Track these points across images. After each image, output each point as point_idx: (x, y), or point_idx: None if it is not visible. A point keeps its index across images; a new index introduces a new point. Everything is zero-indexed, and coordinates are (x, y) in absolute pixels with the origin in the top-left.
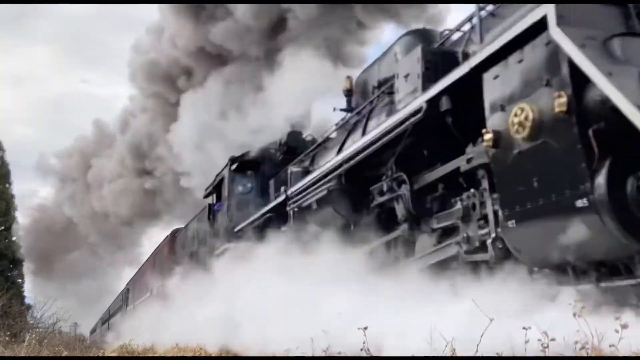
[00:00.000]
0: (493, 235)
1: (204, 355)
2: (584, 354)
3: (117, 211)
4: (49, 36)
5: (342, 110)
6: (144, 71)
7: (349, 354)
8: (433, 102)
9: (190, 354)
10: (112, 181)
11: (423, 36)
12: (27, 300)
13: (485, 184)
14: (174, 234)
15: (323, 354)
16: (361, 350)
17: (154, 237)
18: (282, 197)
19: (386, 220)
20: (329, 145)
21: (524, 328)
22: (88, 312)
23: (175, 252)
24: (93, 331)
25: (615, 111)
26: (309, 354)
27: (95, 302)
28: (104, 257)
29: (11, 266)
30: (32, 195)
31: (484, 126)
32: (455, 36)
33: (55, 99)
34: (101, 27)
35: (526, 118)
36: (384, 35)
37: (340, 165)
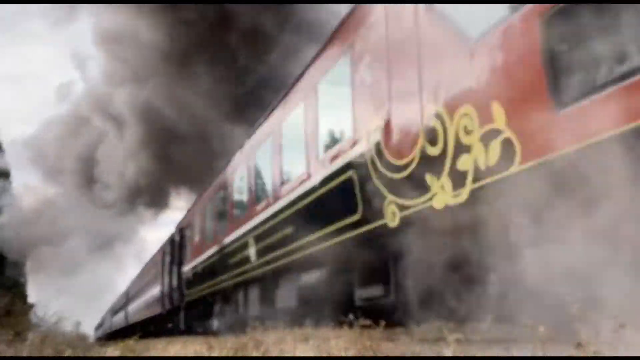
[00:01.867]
0: None
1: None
2: (581, 353)
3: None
4: (46, 34)
5: None
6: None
7: None
8: None
9: None
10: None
11: None
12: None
13: None
14: None
15: None
16: None
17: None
18: None
19: None
20: None
21: None
22: (87, 309)
23: None
24: (99, 326)
25: None
26: None
27: (92, 299)
28: (98, 247)
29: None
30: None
31: None
32: None
33: (54, 96)
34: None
35: None
36: None
37: None
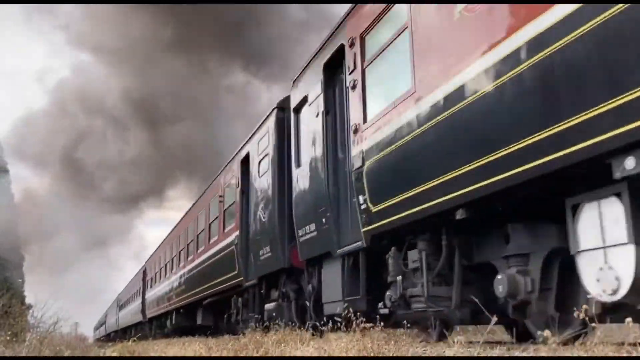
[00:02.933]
0: None
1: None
2: (583, 353)
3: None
4: (43, 32)
5: None
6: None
7: None
8: None
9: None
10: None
11: None
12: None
13: None
14: None
15: None
16: None
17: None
18: None
19: None
20: None
21: None
22: (83, 308)
23: None
24: (99, 325)
25: None
26: None
27: (88, 298)
28: (92, 245)
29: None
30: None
31: None
32: None
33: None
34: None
35: None
36: None
37: None
